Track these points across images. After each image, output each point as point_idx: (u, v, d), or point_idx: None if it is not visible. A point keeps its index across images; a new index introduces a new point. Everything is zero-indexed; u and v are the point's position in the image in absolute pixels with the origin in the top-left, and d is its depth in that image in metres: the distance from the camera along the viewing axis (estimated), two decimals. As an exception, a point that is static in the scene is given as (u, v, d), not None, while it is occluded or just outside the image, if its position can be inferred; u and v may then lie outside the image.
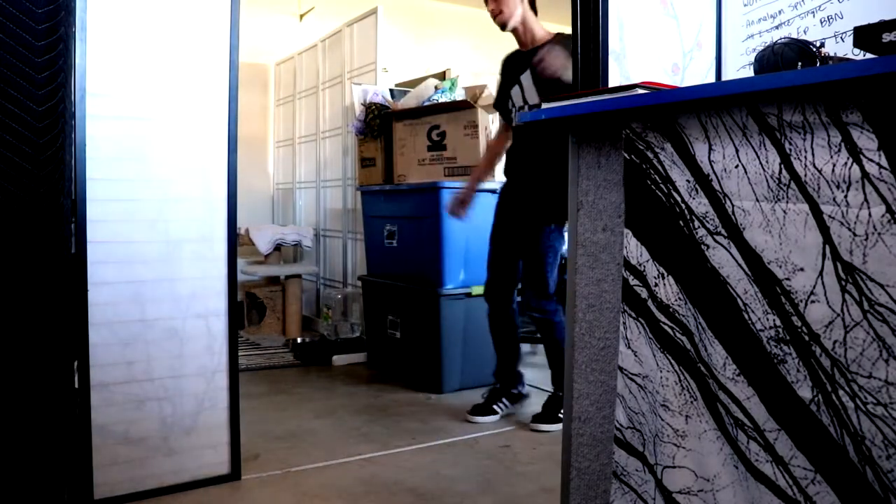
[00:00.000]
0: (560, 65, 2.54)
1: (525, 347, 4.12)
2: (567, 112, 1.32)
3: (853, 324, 0.95)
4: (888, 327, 0.91)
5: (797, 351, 1.01)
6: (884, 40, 0.95)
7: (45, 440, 1.49)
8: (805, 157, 1.00)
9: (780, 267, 1.03)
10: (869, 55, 0.99)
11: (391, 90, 4.06)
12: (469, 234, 3.20)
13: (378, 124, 3.75)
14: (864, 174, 0.93)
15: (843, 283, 0.95)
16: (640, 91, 1.19)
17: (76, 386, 1.84)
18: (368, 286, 3.67)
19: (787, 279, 1.02)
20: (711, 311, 1.13)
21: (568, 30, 1.60)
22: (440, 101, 3.56)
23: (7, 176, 1.43)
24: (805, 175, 1.00)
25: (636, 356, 1.26)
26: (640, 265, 1.25)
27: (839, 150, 0.96)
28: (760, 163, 1.05)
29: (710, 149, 1.12)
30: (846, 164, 0.95)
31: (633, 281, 1.26)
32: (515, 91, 2.77)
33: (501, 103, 2.85)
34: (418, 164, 3.55)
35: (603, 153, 1.39)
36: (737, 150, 1.09)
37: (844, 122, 0.95)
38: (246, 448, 2.22)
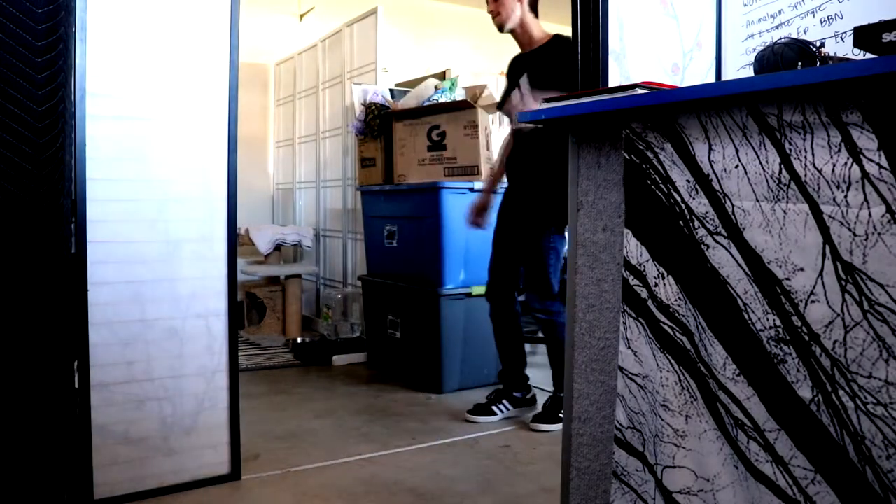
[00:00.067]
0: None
1: (526, 347, 4.13)
2: (567, 112, 1.32)
3: (853, 324, 0.95)
4: (888, 327, 0.91)
5: (797, 351, 1.01)
6: (884, 40, 0.95)
7: (45, 440, 1.49)
8: (805, 157, 1.00)
9: (780, 267, 1.03)
10: (869, 55, 0.99)
11: (391, 90, 4.06)
12: (469, 234, 3.20)
13: (378, 124, 3.75)
14: (864, 174, 0.93)
15: (843, 283, 0.96)
16: (640, 91, 1.19)
17: (76, 386, 1.84)
18: (368, 286, 3.67)
19: (787, 279, 1.02)
20: (711, 311, 1.13)
21: (568, 30, 1.60)
22: (440, 101, 3.56)
23: (7, 176, 1.43)
24: (805, 175, 1.00)
25: (636, 356, 1.26)
26: (640, 265, 1.24)
27: (839, 150, 0.96)
28: (760, 163, 1.05)
29: (710, 149, 1.12)
30: (846, 164, 0.95)
31: (633, 281, 1.26)
32: (515, 94, 2.77)
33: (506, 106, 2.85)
34: (418, 164, 3.55)
35: (603, 153, 1.39)
36: (737, 150, 1.09)
37: (844, 122, 0.95)
38: (246, 448, 2.22)
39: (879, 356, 0.92)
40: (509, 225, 2.78)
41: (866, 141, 0.92)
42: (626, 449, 1.28)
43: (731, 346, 1.10)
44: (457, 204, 3.14)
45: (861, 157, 0.93)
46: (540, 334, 4.04)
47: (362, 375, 3.54)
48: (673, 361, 1.19)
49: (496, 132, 3.62)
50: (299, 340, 3.98)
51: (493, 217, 2.89)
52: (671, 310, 1.19)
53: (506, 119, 3.69)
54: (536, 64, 2.67)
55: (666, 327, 1.20)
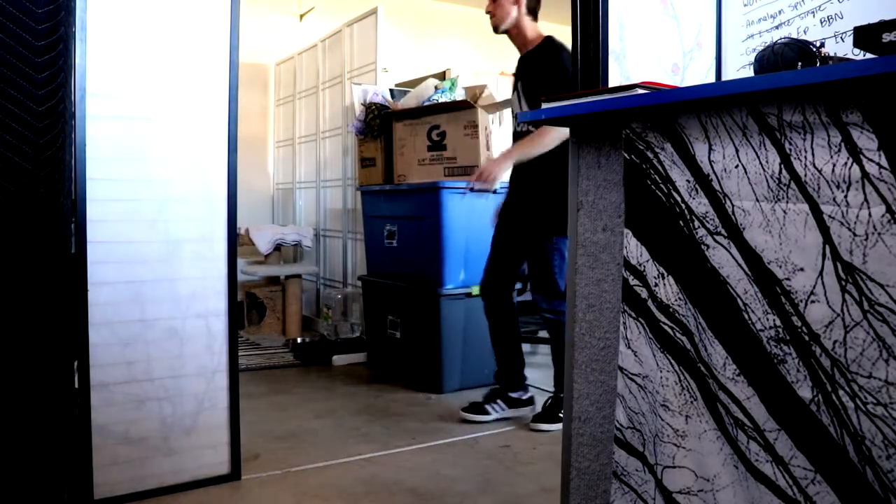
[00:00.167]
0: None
1: (525, 347, 4.13)
2: (567, 112, 1.32)
3: (853, 324, 0.95)
4: (888, 327, 0.91)
5: (797, 351, 1.01)
6: (884, 40, 0.95)
7: (45, 440, 1.49)
8: (805, 157, 1.00)
9: (780, 267, 1.03)
10: (869, 55, 0.99)
11: (391, 90, 4.06)
12: (469, 234, 3.21)
13: (378, 124, 3.75)
14: (864, 174, 0.93)
15: (843, 283, 0.96)
16: (640, 91, 1.19)
17: (76, 386, 1.84)
18: (368, 286, 3.67)
19: (787, 279, 1.02)
20: (711, 311, 1.13)
21: (568, 30, 1.60)
22: (440, 101, 3.56)
23: (7, 176, 1.43)
24: (805, 175, 1.00)
25: (636, 356, 1.26)
26: (640, 265, 1.24)
27: (839, 150, 0.96)
28: (760, 163, 1.05)
29: (710, 149, 1.12)
30: (846, 164, 0.95)
31: (633, 281, 1.26)
32: (514, 97, 2.77)
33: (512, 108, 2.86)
34: (418, 164, 3.55)
35: (603, 153, 1.39)
36: (737, 150, 1.09)
37: (844, 122, 0.95)
38: (246, 448, 2.22)
39: (879, 356, 0.92)
40: (510, 226, 2.77)
41: (866, 141, 0.92)
42: (626, 449, 1.28)
43: (731, 346, 1.10)
44: (457, 204, 3.14)
45: (861, 157, 0.93)
46: (541, 334, 4.06)
47: (362, 375, 3.54)
48: (673, 361, 1.19)
49: (496, 132, 3.62)
50: (299, 340, 3.98)
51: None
52: (671, 310, 1.19)
53: (507, 119, 3.70)
54: (527, 69, 2.69)
55: (666, 327, 1.20)
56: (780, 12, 1.61)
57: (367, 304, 3.72)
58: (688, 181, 1.16)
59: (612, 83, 1.45)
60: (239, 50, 2.08)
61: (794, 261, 1.01)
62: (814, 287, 0.99)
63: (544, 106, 1.36)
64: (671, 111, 1.18)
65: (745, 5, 1.70)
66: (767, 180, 1.05)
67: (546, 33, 2.73)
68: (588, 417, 1.44)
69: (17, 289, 1.46)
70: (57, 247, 1.51)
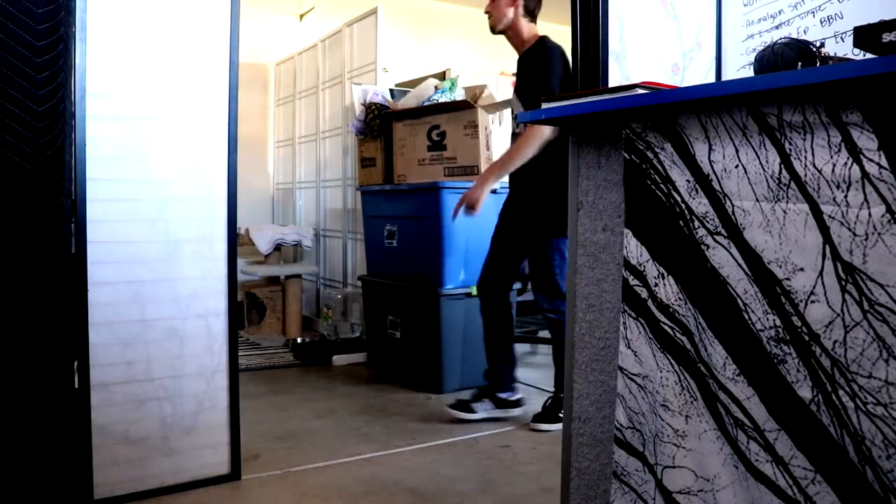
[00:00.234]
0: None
1: (525, 347, 4.14)
2: (567, 112, 1.32)
3: (853, 324, 0.95)
4: (888, 327, 0.91)
5: (797, 351, 1.01)
6: (884, 40, 0.95)
7: (45, 440, 1.49)
8: (805, 157, 1.00)
9: (780, 267, 1.03)
10: (869, 55, 0.99)
11: (391, 90, 4.06)
12: (469, 234, 3.20)
13: (378, 124, 3.75)
14: (864, 174, 0.93)
15: (843, 283, 0.96)
16: (640, 91, 1.19)
17: (76, 386, 1.84)
18: (368, 286, 3.67)
19: (787, 279, 1.02)
20: (711, 311, 1.13)
21: (568, 30, 1.60)
22: (440, 101, 3.56)
23: (7, 176, 1.43)
24: (805, 175, 1.00)
25: (636, 356, 1.26)
26: (640, 265, 1.24)
27: (839, 150, 0.96)
28: (760, 163, 1.05)
29: (710, 149, 1.12)
30: (846, 164, 0.95)
31: (633, 281, 1.26)
32: (514, 98, 2.78)
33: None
34: (418, 164, 3.55)
35: (603, 153, 1.39)
36: (737, 150, 1.09)
37: (844, 122, 0.95)
38: (246, 448, 2.22)
39: (879, 356, 0.92)
40: (510, 226, 2.77)
41: (866, 141, 0.92)
42: (626, 449, 1.28)
43: (731, 346, 1.10)
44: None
45: (861, 157, 0.93)
46: (541, 334, 4.06)
47: (362, 375, 3.54)
48: (673, 361, 1.19)
49: (496, 132, 3.62)
50: (299, 340, 3.98)
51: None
52: (671, 310, 1.19)
53: (507, 119, 3.71)
54: (520, 70, 2.70)
55: (666, 327, 1.20)
56: (780, 12, 1.61)
57: (367, 304, 3.72)
58: (688, 181, 1.16)
59: (612, 83, 1.45)
60: (239, 50, 2.08)
61: (794, 261, 1.01)
62: (814, 287, 0.99)
63: (544, 106, 1.36)
64: (671, 111, 1.18)
65: (745, 5, 1.70)
66: (767, 180, 1.05)
67: (543, 34, 2.73)
68: (588, 417, 1.44)
69: (17, 289, 1.46)
70: (57, 247, 1.52)
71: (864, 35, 0.97)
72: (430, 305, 3.18)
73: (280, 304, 4.46)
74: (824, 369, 0.98)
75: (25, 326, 1.47)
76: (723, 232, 1.11)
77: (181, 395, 2.03)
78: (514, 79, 2.79)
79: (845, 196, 0.95)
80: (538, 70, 2.59)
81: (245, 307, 4.55)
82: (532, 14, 2.72)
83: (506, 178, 2.84)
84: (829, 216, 0.97)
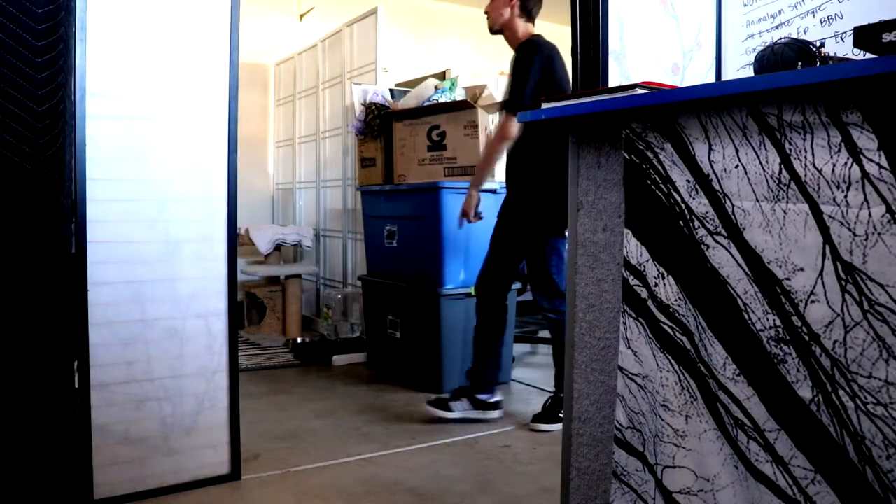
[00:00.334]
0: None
1: (525, 347, 4.14)
2: (567, 112, 1.32)
3: (853, 324, 0.95)
4: (888, 327, 0.91)
5: (797, 351, 1.01)
6: (884, 40, 0.95)
7: (45, 440, 1.49)
8: (805, 157, 1.00)
9: (780, 267, 1.03)
10: (869, 55, 1.00)
11: (391, 90, 4.06)
12: (469, 234, 3.20)
13: (378, 124, 3.75)
14: (864, 174, 0.93)
15: (843, 283, 0.96)
16: (640, 91, 1.19)
17: (76, 386, 1.84)
18: (368, 286, 3.67)
19: (787, 279, 1.02)
20: (711, 311, 1.13)
21: (568, 30, 1.60)
22: (440, 101, 3.56)
23: (7, 176, 1.43)
24: (805, 175, 1.00)
25: (636, 356, 1.26)
26: (640, 265, 1.25)
27: (839, 150, 0.96)
28: (760, 163, 1.05)
29: (710, 149, 1.12)
30: (846, 164, 0.95)
31: (633, 281, 1.26)
32: None
33: None
34: (418, 164, 3.55)
35: (603, 153, 1.39)
36: (737, 150, 1.09)
37: (844, 122, 0.95)
38: (246, 448, 2.22)
39: (879, 356, 0.92)
40: (507, 228, 2.76)
41: (866, 141, 0.92)
42: (626, 449, 1.28)
43: (731, 346, 1.10)
44: (457, 204, 3.13)
45: (861, 157, 0.93)
46: (541, 334, 4.06)
47: (362, 375, 3.54)
48: (673, 361, 1.19)
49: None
50: (299, 340, 3.98)
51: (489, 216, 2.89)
52: (671, 310, 1.19)
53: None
54: (510, 71, 2.71)
55: (666, 327, 1.20)
56: (780, 12, 1.61)
57: (367, 304, 3.72)
58: (688, 181, 1.16)
59: (612, 83, 1.45)
60: (239, 50, 2.08)
61: (794, 261, 1.01)
62: (814, 287, 0.99)
63: (544, 106, 1.36)
64: (671, 111, 1.18)
65: (745, 5, 1.70)
66: (767, 180, 1.05)
67: (537, 33, 2.74)
68: (588, 417, 1.44)
69: (18, 289, 1.46)
70: (57, 247, 1.52)
71: (864, 35, 0.97)
72: (430, 305, 3.18)
73: (280, 304, 4.46)
74: (824, 369, 0.98)
75: (26, 326, 1.47)
76: (723, 232, 1.11)
77: (181, 395, 2.03)
78: None
79: (845, 196, 0.95)
80: (516, 68, 2.64)
81: (245, 307, 4.55)
82: (529, 14, 2.73)
83: (504, 179, 2.85)
84: (829, 216, 0.97)
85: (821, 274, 0.98)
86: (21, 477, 1.47)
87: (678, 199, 1.18)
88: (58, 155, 1.49)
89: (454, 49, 5.79)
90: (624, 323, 1.28)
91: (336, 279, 4.66)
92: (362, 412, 2.87)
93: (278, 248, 4.49)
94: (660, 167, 1.20)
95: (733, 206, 1.09)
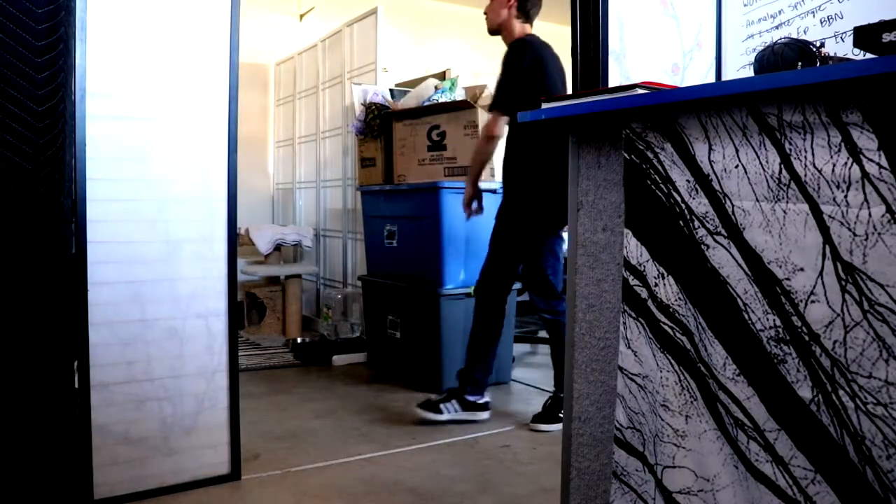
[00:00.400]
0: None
1: (525, 347, 4.14)
2: (567, 112, 1.32)
3: (853, 324, 0.95)
4: (888, 327, 0.91)
5: (797, 351, 1.01)
6: (884, 40, 0.95)
7: (45, 440, 1.49)
8: (805, 157, 1.00)
9: (780, 267, 1.03)
10: (869, 55, 1.00)
11: (391, 90, 4.06)
12: (469, 234, 3.21)
13: (378, 124, 3.75)
14: (864, 174, 0.93)
15: (843, 283, 0.96)
16: (640, 91, 1.19)
17: (76, 386, 1.84)
18: (368, 286, 3.67)
19: (787, 279, 1.02)
20: (711, 311, 1.13)
21: (568, 30, 1.60)
22: (440, 101, 3.56)
23: (7, 176, 1.43)
24: (805, 175, 1.00)
25: (636, 356, 1.26)
26: (640, 265, 1.25)
27: (839, 150, 0.96)
28: (760, 163, 1.05)
29: (710, 149, 1.12)
30: (846, 164, 0.95)
31: (633, 281, 1.26)
32: None
33: None
34: (418, 164, 3.55)
35: (603, 153, 1.39)
36: (737, 150, 1.09)
37: (844, 122, 0.95)
38: (246, 448, 2.22)
39: (879, 356, 0.92)
40: (503, 230, 2.76)
41: (866, 141, 0.92)
42: (626, 449, 1.28)
43: (731, 346, 1.10)
44: (457, 204, 3.14)
45: (861, 157, 0.93)
46: (541, 334, 4.06)
47: (362, 375, 3.54)
48: (673, 361, 1.19)
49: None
50: (299, 340, 3.98)
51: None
52: (671, 310, 1.19)
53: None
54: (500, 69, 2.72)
55: (666, 327, 1.20)
56: (780, 12, 1.61)
57: (367, 304, 3.72)
58: (688, 181, 1.16)
59: (612, 83, 1.45)
60: (239, 50, 2.08)
61: (794, 261, 1.01)
62: (814, 287, 0.99)
63: (544, 106, 1.36)
64: (671, 111, 1.18)
65: (745, 5, 1.70)
66: (767, 180, 1.05)
67: (531, 33, 2.74)
68: (588, 417, 1.44)
69: (18, 289, 1.46)
70: (57, 247, 1.52)
71: (864, 35, 0.97)
72: (430, 305, 3.18)
73: (280, 304, 4.46)
74: (824, 369, 0.98)
75: (26, 326, 1.47)
76: (723, 232, 1.11)
77: (181, 395, 2.03)
78: None
79: (845, 196, 0.95)
80: (504, 67, 2.66)
81: (245, 307, 4.55)
82: (527, 15, 2.73)
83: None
84: (829, 216, 0.97)
85: (821, 274, 0.98)
86: (21, 477, 1.47)
87: (678, 199, 1.18)
88: (58, 155, 1.49)
89: (454, 49, 5.78)
90: (624, 323, 1.28)
91: (336, 279, 4.66)
92: (362, 412, 2.87)
93: (278, 248, 4.49)
94: (660, 167, 1.20)
95: (733, 206, 1.09)
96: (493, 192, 3.06)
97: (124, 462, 1.94)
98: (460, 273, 3.23)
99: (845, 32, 1.47)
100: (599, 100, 1.25)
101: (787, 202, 1.02)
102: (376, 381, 3.39)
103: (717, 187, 1.12)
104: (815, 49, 1.11)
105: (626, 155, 1.27)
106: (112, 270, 1.92)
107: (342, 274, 4.53)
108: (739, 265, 1.09)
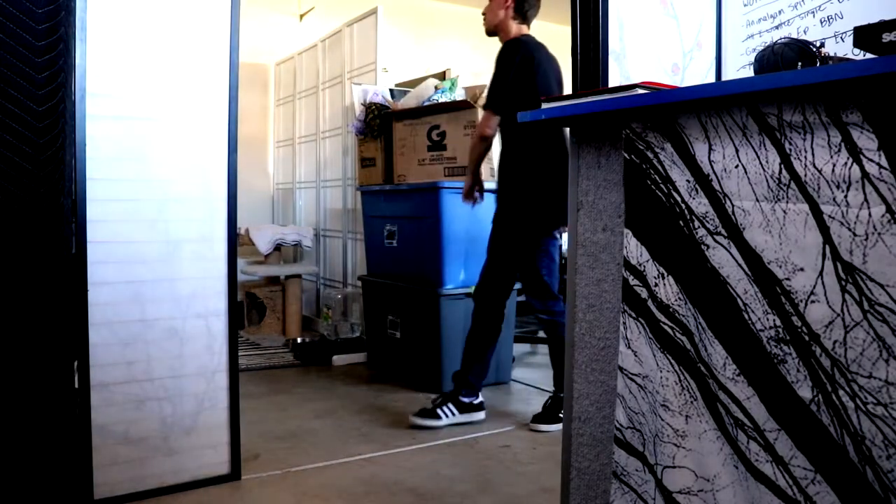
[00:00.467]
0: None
1: (525, 347, 4.14)
2: (567, 112, 1.32)
3: (853, 324, 0.95)
4: (888, 327, 0.91)
5: (797, 351, 1.01)
6: (884, 40, 0.95)
7: (45, 440, 1.49)
8: (805, 157, 1.00)
9: (780, 267, 1.03)
10: (869, 55, 1.00)
11: (391, 90, 4.06)
12: (469, 234, 3.20)
13: (378, 124, 3.75)
14: (864, 174, 0.93)
15: (843, 283, 0.96)
16: (640, 91, 1.19)
17: (76, 386, 1.84)
18: (368, 286, 3.67)
19: (787, 279, 1.02)
20: (711, 311, 1.13)
21: (568, 30, 1.60)
22: (440, 101, 3.56)
23: (7, 176, 1.43)
24: (805, 175, 1.00)
25: (636, 356, 1.26)
26: (640, 265, 1.25)
27: (839, 150, 0.96)
28: (760, 163, 1.05)
29: (710, 149, 1.12)
30: (846, 164, 0.95)
31: (633, 281, 1.26)
32: None
33: None
34: (418, 164, 3.55)
35: (603, 153, 1.39)
36: (737, 150, 1.09)
37: (844, 122, 0.95)
38: (246, 448, 2.22)
39: (879, 356, 0.92)
40: (499, 233, 2.75)
41: (866, 141, 0.92)
42: (626, 449, 1.28)
43: (731, 346, 1.10)
44: (457, 204, 3.14)
45: (861, 157, 0.93)
46: (541, 334, 4.05)
47: (362, 375, 3.54)
48: (673, 361, 1.19)
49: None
50: (299, 340, 3.98)
51: (479, 214, 2.90)
52: (671, 310, 1.19)
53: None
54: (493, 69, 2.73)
55: (666, 327, 1.20)
56: (780, 12, 1.61)
57: (367, 304, 3.72)
58: (688, 181, 1.16)
59: (612, 83, 1.45)
60: (239, 50, 2.08)
61: (794, 261, 1.01)
62: (814, 287, 0.99)
63: (544, 106, 1.36)
64: (671, 111, 1.18)
65: (745, 5, 1.70)
66: (767, 180, 1.05)
67: (525, 34, 2.74)
68: (588, 417, 1.44)
69: (18, 289, 1.46)
70: (57, 247, 1.52)
71: (864, 35, 0.97)
72: (430, 305, 3.18)
73: (280, 304, 4.46)
74: (824, 369, 0.98)
75: (26, 326, 1.47)
76: (723, 232, 1.11)
77: (181, 395, 2.03)
78: None
79: (845, 196, 0.95)
80: (497, 66, 2.68)
81: (245, 307, 4.55)
82: (525, 16, 2.73)
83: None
84: (829, 216, 0.97)
85: (821, 274, 0.98)
86: (21, 477, 1.47)
87: (678, 199, 1.18)
88: (58, 155, 1.49)
89: (454, 49, 5.78)
90: (624, 323, 1.28)
91: (336, 279, 4.66)
92: (362, 412, 2.88)
93: (278, 248, 4.49)
94: (660, 167, 1.20)
95: (733, 206, 1.09)
96: (494, 192, 3.06)
97: (124, 462, 1.94)
98: (460, 273, 3.23)
99: (845, 32, 1.47)
100: (599, 100, 1.25)
101: (787, 202, 1.02)
102: (376, 381, 3.39)
103: (717, 187, 1.12)
104: (815, 49, 1.11)
105: (626, 155, 1.26)
106: (112, 270, 1.92)
107: (342, 274, 4.53)
108: (739, 265, 1.09)
